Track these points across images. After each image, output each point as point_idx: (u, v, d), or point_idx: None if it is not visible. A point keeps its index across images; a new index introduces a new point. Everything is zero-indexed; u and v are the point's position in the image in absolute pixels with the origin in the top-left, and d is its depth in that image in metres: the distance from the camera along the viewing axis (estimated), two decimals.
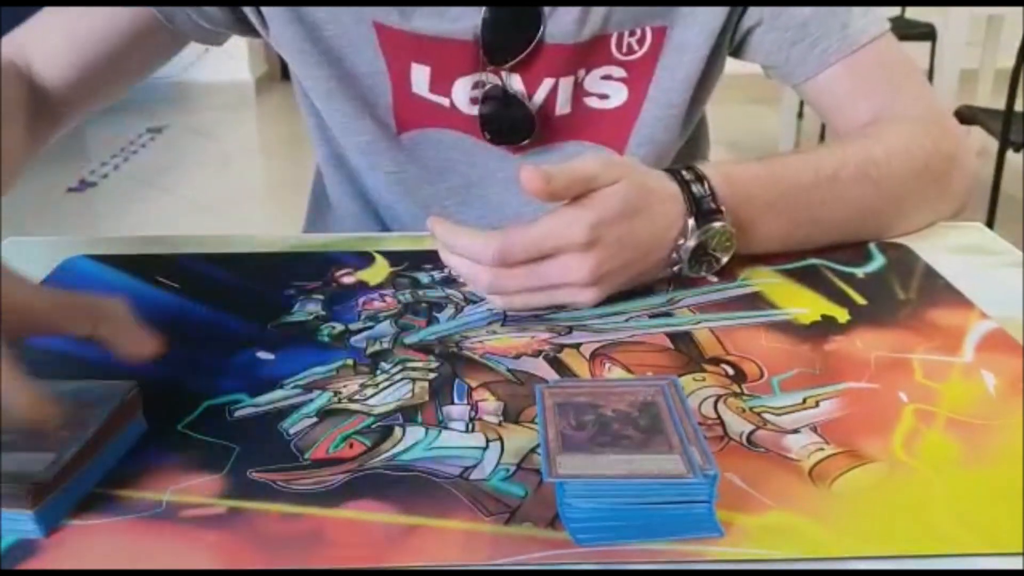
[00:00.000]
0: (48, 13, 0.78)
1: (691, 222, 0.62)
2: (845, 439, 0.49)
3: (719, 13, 0.78)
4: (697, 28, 0.78)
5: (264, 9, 0.77)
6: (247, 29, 0.80)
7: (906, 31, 3.78)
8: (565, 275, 0.59)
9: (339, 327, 0.61)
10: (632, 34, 0.78)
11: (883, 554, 0.41)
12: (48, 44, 0.76)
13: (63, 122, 0.80)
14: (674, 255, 0.64)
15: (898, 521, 0.43)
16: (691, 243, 0.63)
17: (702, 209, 0.63)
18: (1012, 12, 2.95)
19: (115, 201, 3.25)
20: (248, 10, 0.78)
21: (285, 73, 4.95)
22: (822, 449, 0.48)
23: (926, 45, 3.53)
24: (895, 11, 3.92)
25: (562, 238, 0.58)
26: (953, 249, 0.73)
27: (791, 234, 0.70)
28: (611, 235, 0.59)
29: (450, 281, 0.67)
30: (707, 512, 0.42)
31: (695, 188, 0.63)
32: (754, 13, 0.79)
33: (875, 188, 0.71)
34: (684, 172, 0.64)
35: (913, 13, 3.83)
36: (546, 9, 0.75)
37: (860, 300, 0.64)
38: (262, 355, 0.57)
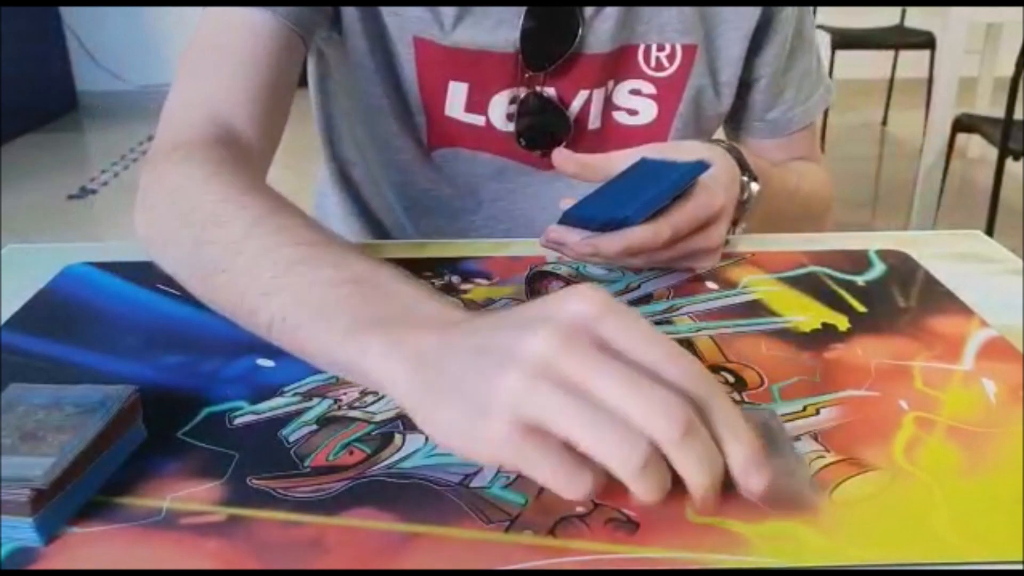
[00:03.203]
0: (210, 76, 0.70)
1: (744, 179, 0.70)
2: (846, 447, 0.49)
3: (744, 37, 0.81)
4: (725, 51, 0.81)
5: (344, 16, 0.76)
6: (332, 28, 0.79)
7: (905, 39, 3.80)
8: (708, 241, 0.66)
9: None
10: (661, 49, 0.79)
11: (884, 562, 0.41)
12: (243, 106, 0.68)
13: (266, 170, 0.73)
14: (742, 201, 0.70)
15: (899, 529, 0.43)
16: (750, 192, 0.70)
17: (746, 172, 0.71)
18: (1011, 20, 2.95)
19: (116, 208, 3.25)
20: (333, 15, 0.77)
21: None
22: (823, 457, 0.48)
23: (925, 53, 3.54)
24: (894, 19, 3.93)
25: (711, 208, 0.64)
26: (953, 257, 0.73)
27: (763, 219, 0.75)
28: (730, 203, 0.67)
29: (450, 288, 0.67)
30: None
31: (737, 156, 0.71)
32: (762, 67, 0.84)
33: (809, 200, 0.87)
34: (725, 146, 0.71)
35: (912, 21, 3.84)
36: (587, 15, 0.76)
37: (860, 308, 0.65)
38: (262, 362, 0.57)
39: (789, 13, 0.82)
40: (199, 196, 0.58)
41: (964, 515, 0.44)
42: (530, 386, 0.37)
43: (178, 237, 0.58)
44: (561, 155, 0.66)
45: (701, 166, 0.62)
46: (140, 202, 0.63)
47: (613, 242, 0.61)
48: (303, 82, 0.89)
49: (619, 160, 0.66)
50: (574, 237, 0.63)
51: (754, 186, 0.70)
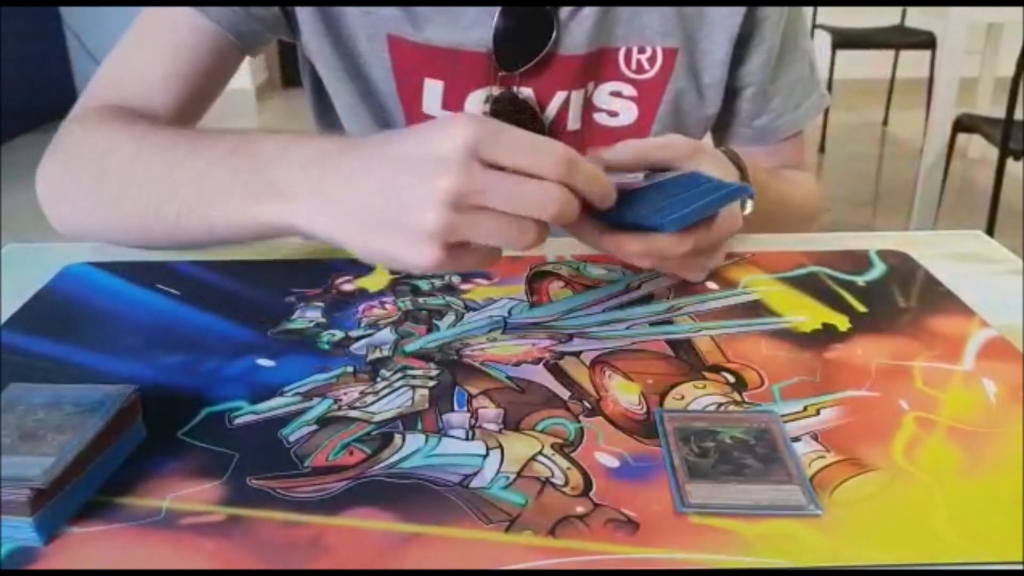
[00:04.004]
0: (133, 57, 0.75)
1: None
2: (846, 447, 0.49)
3: (728, 40, 0.80)
4: (709, 55, 0.81)
5: (299, 18, 0.77)
6: (286, 31, 0.80)
7: (905, 39, 3.79)
8: (712, 259, 0.67)
9: (339, 334, 0.61)
10: (642, 51, 0.79)
11: (884, 562, 0.41)
12: (151, 91, 0.73)
13: None
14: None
15: (899, 529, 0.43)
16: (748, 209, 0.69)
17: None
18: (1012, 20, 2.95)
19: None
20: (282, 17, 0.78)
21: (286, 81, 4.96)
22: (823, 457, 0.48)
23: (926, 53, 3.54)
24: (895, 19, 3.93)
25: (732, 230, 0.65)
26: (953, 257, 0.73)
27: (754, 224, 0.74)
28: None
29: (450, 288, 0.67)
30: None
31: (739, 167, 0.71)
32: (748, 75, 0.84)
33: (799, 209, 0.87)
34: (733, 157, 0.71)
35: (913, 21, 3.84)
36: (562, 17, 0.76)
37: (861, 308, 0.64)
38: (262, 362, 0.57)
39: (776, 21, 0.82)
40: (88, 139, 0.66)
41: (964, 515, 0.44)
42: (448, 220, 0.48)
43: (73, 180, 0.67)
44: (617, 153, 0.64)
45: (747, 190, 0.61)
46: (40, 166, 0.69)
47: (638, 245, 0.60)
48: (300, 82, 0.89)
49: (657, 150, 0.65)
50: (596, 232, 0.60)
51: (749, 204, 0.69)
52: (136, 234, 0.64)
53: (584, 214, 0.60)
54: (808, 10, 3.68)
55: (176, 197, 0.59)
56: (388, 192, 0.49)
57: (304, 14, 0.77)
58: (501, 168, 0.49)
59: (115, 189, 0.63)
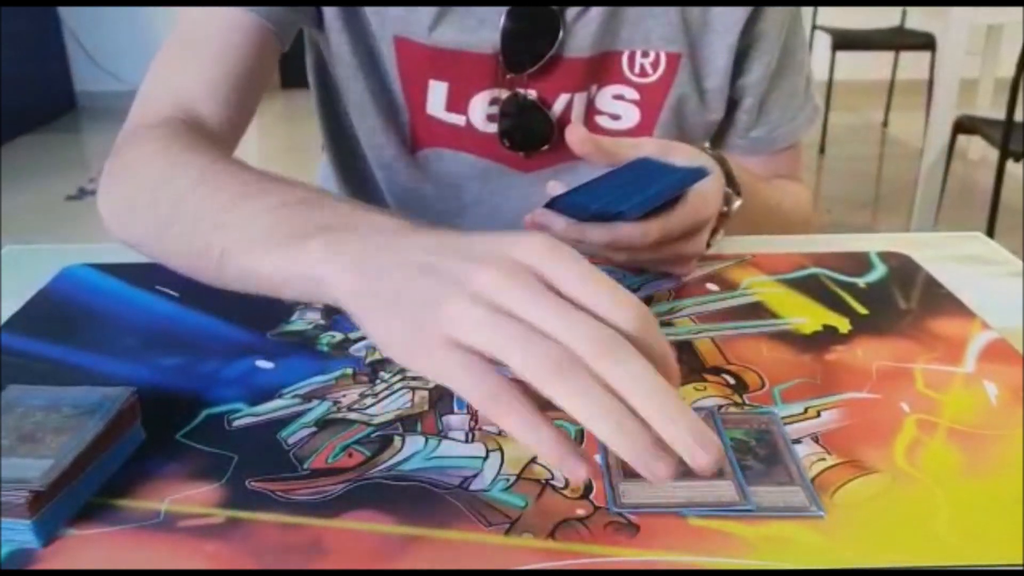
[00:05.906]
0: (182, 63, 0.72)
1: (729, 191, 0.69)
2: (847, 449, 0.49)
3: (728, 50, 0.80)
4: (711, 62, 0.81)
5: (324, 12, 0.77)
6: (314, 22, 0.80)
7: (905, 41, 3.80)
8: (691, 248, 0.66)
9: (339, 336, 0.61)
10: (645, 55, 0.79)
11: (885, 564, 0.41)
12: (206, 98, 0.70)
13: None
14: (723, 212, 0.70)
15: (899, 531, 0.43)
16: (732, 207, 0.69)
17: (731, 185, 0.70)
18: (1012, 21, 2.95)
19: None
20: (314, 9, 0.78)
21: (285, 82, 4.96)
22: (824, 459, 0.48)
23: (926, 55, 3.54)
24: (894, 20, 3.93)
25: (702, 216, 0.65)
26: (954, 259, 0.73)
27: (741, 226, 0.75)
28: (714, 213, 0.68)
29: None
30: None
31: (724, 168, 0.70)
32: (747, 87, 0.84)
33: (788, 217, 0.86)
34: (714, 155, 0.71)
35: (912, 22, 3.84)
36: (568, 19, 0.76)
37: (861, 310, 0.64)
38: (261, 364, 0.57)
39: (776, 34, 0.82)
40: (152, 163, 0.62)
41: (965, 518, 0.43)
42: (469, 314, 0.38)
43: (134, 203, 0.61)
44: (576, 133, 0.64)
45: (701, 172, 0.61)
46: (101, 182, 0.65)
47: (601, 233, 0.60)
48: (304, 83, 0.89)
49: (629, 148, 0.66)
50: (560, 223, 0.61)
51: (736, 201, 0.70)
52: (187, 270, 0.57)
53: (547, 210, 0.62)
54: (808, 11, 3.68)
55: (219, 239, 0.51)
56: (421, 272, 0.41)
57: (330, 11, 0.77)
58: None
59: (165, 223, 0.57)
